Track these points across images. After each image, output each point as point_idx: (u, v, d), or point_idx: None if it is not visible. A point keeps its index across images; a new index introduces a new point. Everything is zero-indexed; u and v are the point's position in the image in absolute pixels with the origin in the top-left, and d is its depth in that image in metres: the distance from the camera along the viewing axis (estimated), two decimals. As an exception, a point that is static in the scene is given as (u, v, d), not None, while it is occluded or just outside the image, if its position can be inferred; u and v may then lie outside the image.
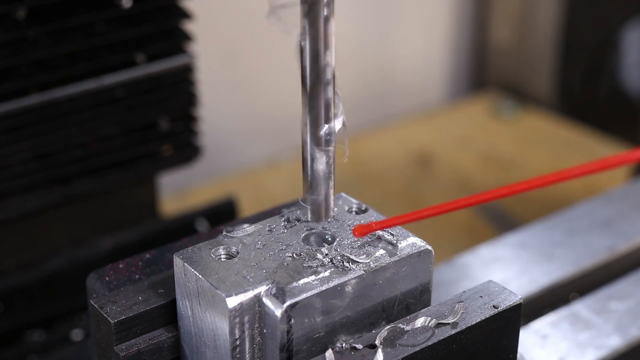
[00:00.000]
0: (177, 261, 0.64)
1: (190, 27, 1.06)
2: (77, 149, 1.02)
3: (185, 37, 1.05)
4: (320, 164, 0.63)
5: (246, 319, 0.61)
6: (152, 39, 1.03)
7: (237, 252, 0.64)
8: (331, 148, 0.63)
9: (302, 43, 0.60)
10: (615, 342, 0.82)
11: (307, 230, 0.66)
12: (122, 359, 0.64)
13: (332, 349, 0.62)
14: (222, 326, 0.61)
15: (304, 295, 0.60)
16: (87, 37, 0.99)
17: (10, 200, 1.00)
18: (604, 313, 0.85)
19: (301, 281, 0.61)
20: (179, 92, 1.06)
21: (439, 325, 0.63)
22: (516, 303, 0.66)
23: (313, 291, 0.61)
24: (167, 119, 1.07)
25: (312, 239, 0.65)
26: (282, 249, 0.64)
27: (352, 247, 0.64)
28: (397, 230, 0.66)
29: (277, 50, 1.53)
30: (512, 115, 1.82)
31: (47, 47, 0.97)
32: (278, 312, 0.60)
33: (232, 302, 0.60)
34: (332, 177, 0.64)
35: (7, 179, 0.98)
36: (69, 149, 1.02)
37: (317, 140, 0.62)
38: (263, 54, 1.62)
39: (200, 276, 0.62)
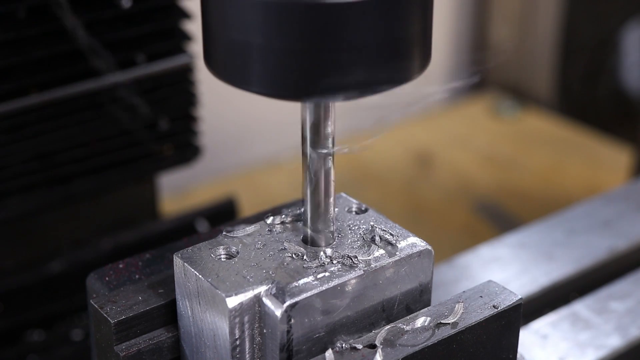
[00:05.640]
0: (177, 261, 0.64)
1: (190, 27, 1.06)
2: (77, 148, 1.02)
3: (185, 37, 1.05)
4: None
5: (246, 319, 0.61)
6: (152, 39, 1.03)
7: (237, 252, 0.64)
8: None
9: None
10: (615, 342, 0.82)
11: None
12: (122, 359, 0.64)
13: (332, 349, 0.62)
14: (222, 326, 0.61)
15: (304, 295, 0.60)
16: (87, 37, 0.99)
17: (10, 200, 1.00)
18: (604, 313, 0.85)
19: (301, 281, 0.61)
20: (179, 92, 1.06)
21: (439, 325, 0.63)
22: (516, 303, 0.66)
23: (313, 291, 0.61)
24: (167, 119, 1.07)
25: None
26: (282, 248, 0.64)
27: (352, 247, 0.64)
28: (397, 230, 0.66)
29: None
30: (512, 115, 1.82)
31: (47, 47, 0.97)
32: (278, 312, 0.60)
33: (232, 302, 0.60)
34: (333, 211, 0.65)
35: (7, 179, 0.98)
36: (69, 148, 1.02)
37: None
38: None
39: (200, 276, 0.62)
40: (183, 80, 1.06)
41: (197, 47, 1.08)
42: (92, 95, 1.00)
